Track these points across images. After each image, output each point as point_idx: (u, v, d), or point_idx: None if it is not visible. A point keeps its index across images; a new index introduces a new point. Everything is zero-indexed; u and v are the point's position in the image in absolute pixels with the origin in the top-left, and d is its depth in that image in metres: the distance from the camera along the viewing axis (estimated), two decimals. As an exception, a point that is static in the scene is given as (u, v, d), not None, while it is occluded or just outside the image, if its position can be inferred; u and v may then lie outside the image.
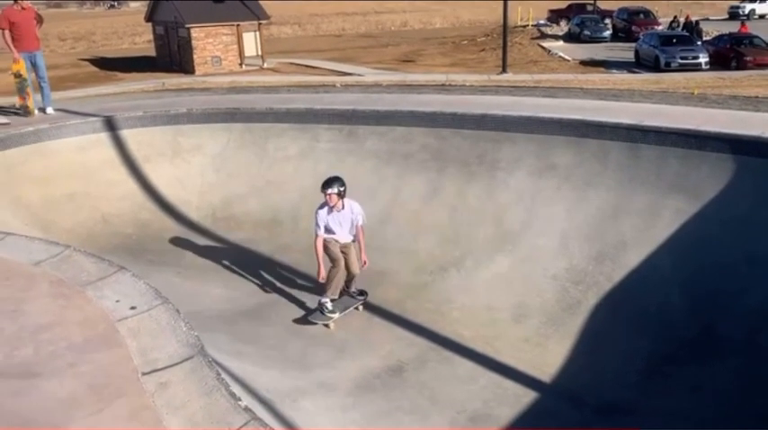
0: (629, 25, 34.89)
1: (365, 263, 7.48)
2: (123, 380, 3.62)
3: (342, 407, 5.79)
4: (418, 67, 27.48)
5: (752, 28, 30.05)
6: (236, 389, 3.71)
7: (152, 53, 33.39)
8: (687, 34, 27.22)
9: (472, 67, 26.81)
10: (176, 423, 3.26)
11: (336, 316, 7.15)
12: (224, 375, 3.74)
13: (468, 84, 16.05)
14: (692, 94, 12.67)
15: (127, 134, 10.71)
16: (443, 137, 9.92)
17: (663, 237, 7.50)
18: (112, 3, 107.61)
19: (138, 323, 4.20)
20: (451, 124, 9.99)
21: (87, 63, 34.22)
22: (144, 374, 3.65)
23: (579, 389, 6.18)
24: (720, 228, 7.17)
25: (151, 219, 9.85)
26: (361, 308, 7.57)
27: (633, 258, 7.51)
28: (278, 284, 8.13)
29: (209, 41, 27.90)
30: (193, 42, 27.51)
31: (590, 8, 42.87)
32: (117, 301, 4.49)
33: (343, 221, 7.26)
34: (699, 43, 25.83)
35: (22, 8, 10.80)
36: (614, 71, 23.72)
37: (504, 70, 22.40)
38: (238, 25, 28.56)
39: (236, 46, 28.58)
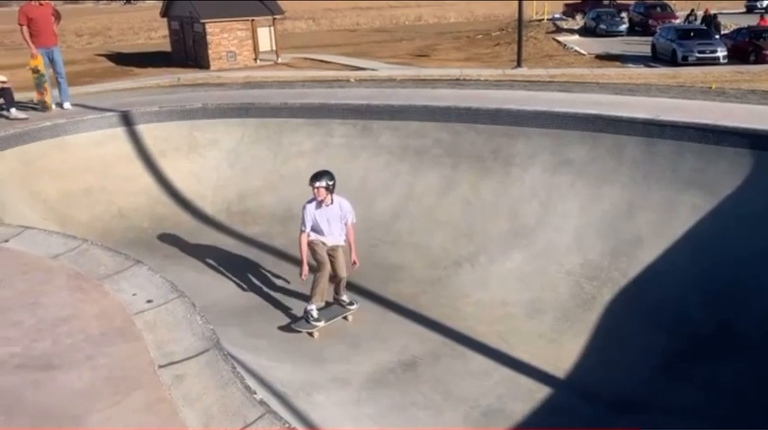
0: (646, 19, 34.46)
1: (355, 263, 7.23)
2: (140, 372, 3.66)
3: (355, 402, 5.81)
4: (432, 62, 27.37)
5: (771, 21, 29.57)
6: (251, 382, 3.74)
7: (167, 48, 33.55)
8: (705, 28, 26.85)
9: (487, 62, 26.66)
10: (192, 415, 3.29)
11: (321, 324, 6.91)
12: (239, 368, 3.77)
13: (482, 78, 15.97)
14: (710, 88, 12.53)
15: (143, 129, 10.81)
16: (458, 132, 9.90)
17: (679, 234, 7.45)
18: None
19: (155, 316, 4.24)
20: (466, 119, 9.97)
21: (104, 58, 34.47)
22: (160, 367, 3.68)
23: (593, 384, 6.16)
24: (737, 224, 7.10)
25: (167, 213, 9.93)
26: (350, 318, 7.30)
27: (648, 254, 7.46)
28: (292, 278, 8.15)
29: (223, 37, 27.97)
30: (208, 37, 27.59)
31: (606, 2, 42.42)
32: (134, 295, 4.53)
33: (331, 218, 7.01)
34: (717, 37, 25.49)
35: (40, 4, 10.92)
36: (630, 65, 23.45)
37: (518, 65, 22.24)
38: (253, 20, 28.61)
39: (250, 41, 28.63)
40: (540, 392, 6.10)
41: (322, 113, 10.98)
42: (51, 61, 11.17)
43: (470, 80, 15.43)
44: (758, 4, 42.62)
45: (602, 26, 33.99)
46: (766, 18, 29.98)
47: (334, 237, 7.09)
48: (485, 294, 7.74)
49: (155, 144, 10.71)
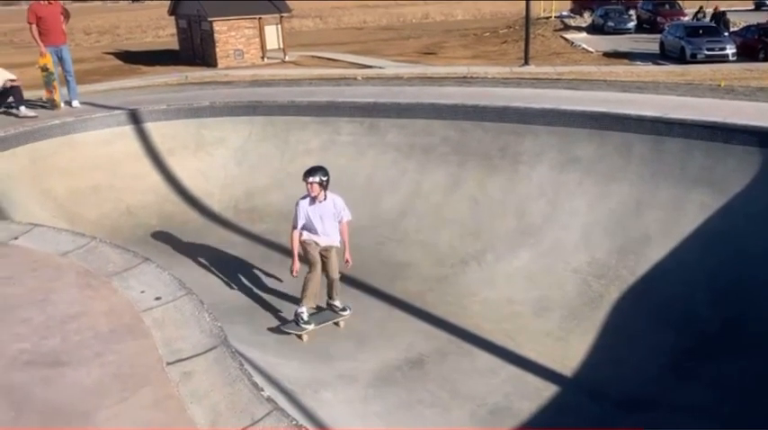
0: (654, 16, 34.30)
1: (348, 261, 7.03)
2: (148, 369, 3.68)
3: (362, 399, 5.82)
4: (439, 60, 27.33)
5: (781, 18, 29.38)
6: (259, 379, 3.75)
7: (175, 47, 33.67)
8: (714, 25, 26.72)
9: (494, 60, 26.61)
10: (200, 412, 3.31)
11: (311, 327, 6.75)
12: (246, 365, 3.78)
13: (489, 76, 15.94)
14: (719, 85, 12.46)
15: (151, 127, 10.85)
16: (465, 129, 9.89)
17: (687, 232, 7.42)
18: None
19: (163, 313, 4.26)
20: (473, 117, 9.95)
21: (112, 56, 34.61)
22: (168, 364, 3.70)
23: (601, 383, 6.15)
24: (746, 222, 7.06)
25: (174, 211, 9.97)
26: (342, 324, 7.10)
27: (657, 253, 7.43)
28: (299, 276, 8.16)
29: (231, 35, 28.03)
30: (216, 36, 27.66)
31: (614, -1, 42.25)
32: (142, 292, 4.55)
33: (325, 215, 6.82)
34: (726, 34, 25.34)
35: (49, 3, 10.98)
36: (638, 63, 23.36)
37: (526, 62, 22.19)
38: (260, 18, 28.65)
39: (258, 39, 28.68)
40: (548, 390, 6.09)
41: (329, 111, 10.99)
42: (60, 59, 11.23)
43: (477, 78, 15.40)
44: (765, 1, 42.30)
45: (610, 23, 33.88)
46: (776, 15, 29.78)
47: (328, 237, 6.89)
48: (492, 292, 7.73)
49: (162, 142, 10.75)
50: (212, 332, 4.02)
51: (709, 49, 22.74)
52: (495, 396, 6.01)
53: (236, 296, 7.63)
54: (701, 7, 33.74)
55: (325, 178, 6.73)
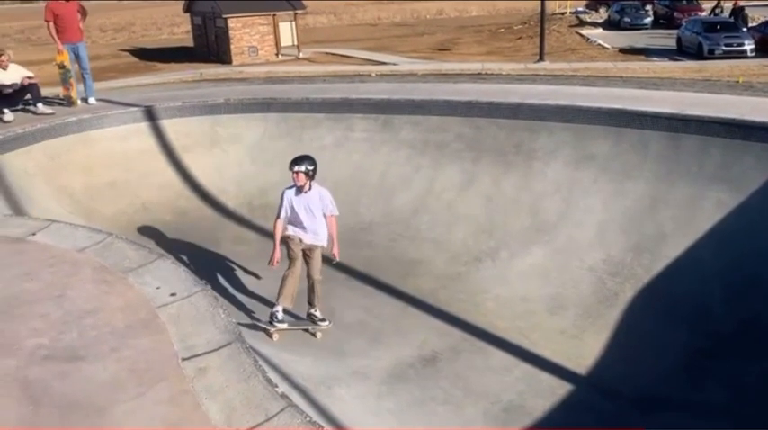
0: (671, 12, 33.95)
1: (335, 256, 6.82)
2: (164, 364, 3.71)
3: (376, 396, 5.83)
4: (454, 56, 27.23)
5: (800, 13, 29.02)
6: (273, 375, 3.77)
7: (190, 44, 33.78)
8: (732, 20, 26.38)
9: (508, 56, 26.45)
10: (215, 407, 3.33)
11: (284, 327, 6.50)
12: (260, 362, 3.81)
13: (504, 72, 15.87)
14: (737, 82, 12.31)
15: (166, 124, 10.92)
16: (479, 126, 9.85)
17: (704, 230, 7.35)
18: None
19: (179, 309, 4.29)
20: (487, 113, 9.91)
21: (127, 54, 34.80)
22: (184, 360, 3.73)
23: (615, 381, 6.12)
24: (763, 219, 6.98)
25: (189, 207, 10.03)
26: (319, 335, 6.77)
27: (673, 251, 7.37)
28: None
29: (245, 32, 28.09)
30: (230, 33, 27.73)
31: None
32: (158, 288, 4.59)
33: (310, 206, 6.60)
34: (744, 29, 25.03)
35: (66, 1, 11.06)
36: (655, 59, 23.11)
37: (541, 59, 22.04)
38: (274, 15, 28.68)
39: (272, 36, 28.71)
40: (561, 389, 6.07)
41: (343, 108, 11.00)
42: (77, 57, 11.33)
43: (492, 74, 15.34)
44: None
45: (627, 19, 33.58)
46: (795, 10, 29.37)
47: (315, 236, 6.68)
48: (505, 290, 7.71)
49: (177, 139, 10.81)
50: (227, 328, 4.05)
51: (726, 45, 22.43)
52: (509, 394, 6.00)
53: (250, 292, 7.66)
54: (718, 2, 33.32)
55: (311, 168, 6.59)
